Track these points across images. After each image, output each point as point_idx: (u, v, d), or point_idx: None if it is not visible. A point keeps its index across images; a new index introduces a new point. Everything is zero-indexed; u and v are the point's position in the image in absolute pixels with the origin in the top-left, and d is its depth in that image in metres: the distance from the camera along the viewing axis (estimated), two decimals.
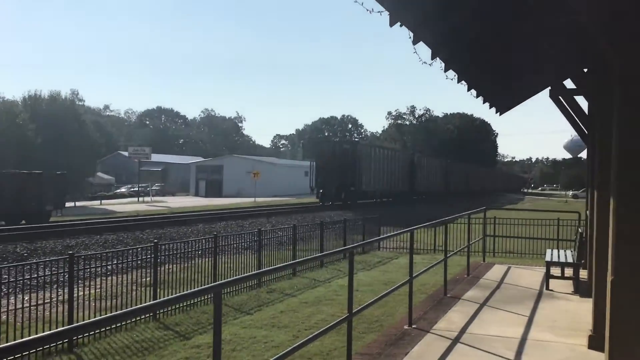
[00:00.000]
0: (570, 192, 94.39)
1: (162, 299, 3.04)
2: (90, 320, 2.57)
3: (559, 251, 11.92)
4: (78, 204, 47.49)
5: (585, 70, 7.72)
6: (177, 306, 10.11)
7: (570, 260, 10.62)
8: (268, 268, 4.55)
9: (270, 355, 6.96)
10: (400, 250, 18.31)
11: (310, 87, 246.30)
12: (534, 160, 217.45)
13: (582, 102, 10.54)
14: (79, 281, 9.37)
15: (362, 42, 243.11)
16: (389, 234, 8.32)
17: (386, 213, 31.63)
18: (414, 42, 6.27)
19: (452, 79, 8.34)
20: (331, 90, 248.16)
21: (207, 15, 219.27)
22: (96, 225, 24.67)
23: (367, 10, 5.25)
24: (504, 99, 11.55)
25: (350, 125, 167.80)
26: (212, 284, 3.51)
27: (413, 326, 7.65)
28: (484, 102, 11.19)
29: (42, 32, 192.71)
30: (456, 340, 6.96)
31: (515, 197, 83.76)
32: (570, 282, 10.55)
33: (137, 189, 63.32)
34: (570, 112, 10.89)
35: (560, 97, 10.71)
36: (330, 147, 42.30)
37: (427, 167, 54.05)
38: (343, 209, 36.98)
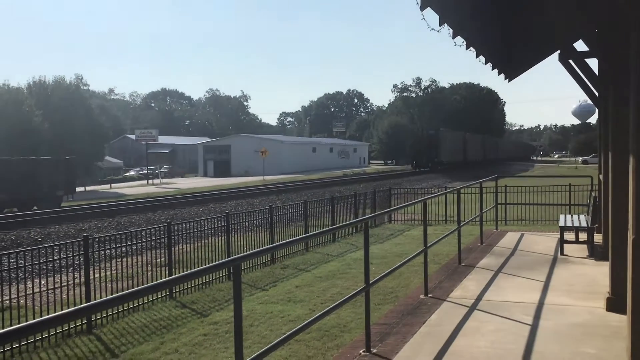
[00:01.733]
0: (580, 158, 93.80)
1: (181, 274, 3.02)
2: (110, 297, 2.55)
3: (572, 216, 11.85)
4: (88, 188, 47.73)
5: (597, 30, 7.57)
6: (193, 284, 10.17)
7: (584, 224, 10.55)
8: (285, 241, 4.52)
9: (288, 329, 6.99)
10: (411, 222, 18.29)
11: (316, 63, 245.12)
12: (542, 127, 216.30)
13: (592, 64, 10.39)
14: (94, 264, 9.43)
15: (367, 15, 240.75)
16: (400, 205, 8.27)
17: (455, 173, 52.03)
18: (422, 8, 6.14)
19: (460, 45, 8.21)
20: (336, 65, 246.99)
21: None
22: (108, 208, 24.81)
23: None
24: (513, 64, 11.40)
25: (356, 100, 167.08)
26: (231, 257, 3.49)
27: (429, 295, 7.64)
28: (492, 69, 11.05)
29: (42, 18, 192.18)
30: (473, 308, 6.95)
31: (527, 165, 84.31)
32: (585, 246, 10.51)
33: (145, 171, 63.47)
34: (581, 75, 10.73)
35: (570, 60, 10.54)
36: (420, 133, 67.24)
37: (472, 142, 73.83)
38: (430, 172, 57.05)
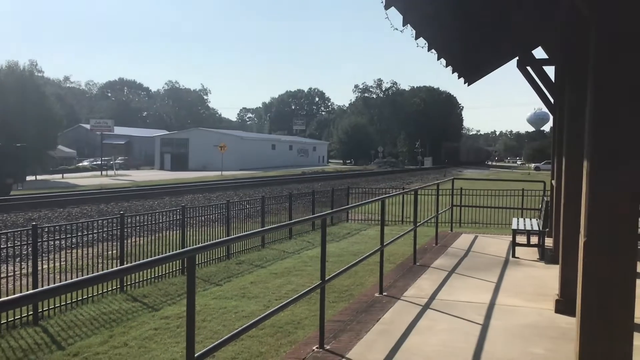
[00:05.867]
0: (533, 165, 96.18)
1: (133, 264, 2.93)
2: (57, 284, 2.45)
3: (524, 220, 12.11)
4: (39, 177, 46.42)
5: (556, 37, 7.74)
6: (145, 277, 9.98)
7: (535, 228, 10.78)
8: (242, 234, 4.46)
9: (241, 324, 6.91)
10: (368, 222, 18.40)
11: (278, 60, 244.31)
12: (497, 133, 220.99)
13: (549, 71, 10.63)
14: (43, 254, 9.15)
15: (331, 14, 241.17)
16: (358, 203, 8.30)
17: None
18: (386, 7, 6.15)
19: (422, 47, 8.26)
20: (299, 63, 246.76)
21: None
22: (59, 198, 24.18)
23: None
24: (472, 69, 11.56)
25: (317, 99, 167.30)
26: (186, 249, 3.41)
27: (384, 294, 7.68)
28: (452, 72, 11.18)
29: None
30: (426, 307, 7.02)
31: (483, 169, 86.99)
32: (536, 249, 10.74)
33: (100, 162, 62.09)
34: (538, 81, 10.96)
35: (528, 67, 10.76)
36: (450, 144, 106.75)
37: (470, 149, 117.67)
38: (451, 166, 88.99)
